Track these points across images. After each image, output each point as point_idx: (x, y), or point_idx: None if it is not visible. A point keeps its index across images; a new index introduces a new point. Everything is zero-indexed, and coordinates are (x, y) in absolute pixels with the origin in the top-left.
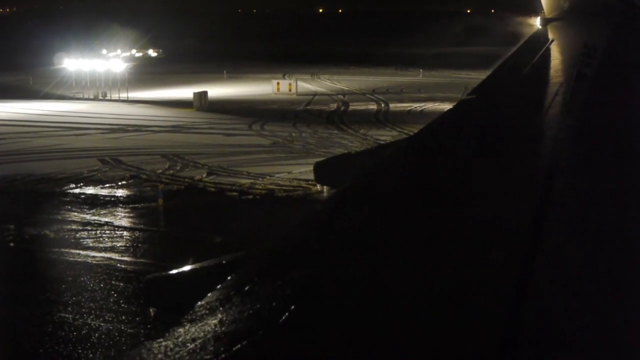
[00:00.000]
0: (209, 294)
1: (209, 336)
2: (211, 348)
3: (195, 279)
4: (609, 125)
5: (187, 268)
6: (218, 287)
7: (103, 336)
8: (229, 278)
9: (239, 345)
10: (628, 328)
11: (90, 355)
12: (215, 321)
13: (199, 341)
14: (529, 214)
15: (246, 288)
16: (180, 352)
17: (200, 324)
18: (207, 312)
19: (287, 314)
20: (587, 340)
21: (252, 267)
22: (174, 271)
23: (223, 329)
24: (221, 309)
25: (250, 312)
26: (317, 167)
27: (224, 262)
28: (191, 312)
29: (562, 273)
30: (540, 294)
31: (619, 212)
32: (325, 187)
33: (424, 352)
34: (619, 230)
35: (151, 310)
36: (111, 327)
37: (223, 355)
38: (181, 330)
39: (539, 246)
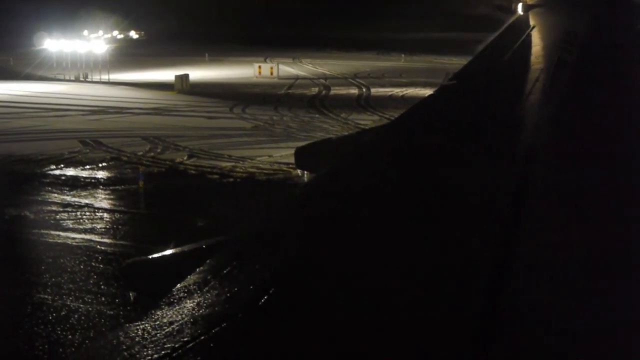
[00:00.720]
0: (188, 277)
1: (186, 319)
2: (188, 331)
3: (175, 263)
4: (589, 111)
5: (166, 252)
6: (197, 270)
7: (82, 317)
8: (207, 262)
9: (218, 328)
10: (609, 312)
11: (70, 337)
12: (193, 304)
13: (177, 324)
14: (507, 199)
15: (224, 272)
16: (158, 335)
17: (178, 307)
18: (185, 295)
19: (266, 297)
20: (565, 324)
21: (231, 251)
22: (154, 255)
23: (201, 311)
24: (199, 292)
25: (228, 295)
26: (298, 153)
27: (203, 246)
28: (169, 295)
29: (540, 258)
30: (518, 279)
31: (600, 196)
32: (305, 172)
33: (402, 336)
34: (600, 215)
35: (131, 294)
36: (91, 309)
37: (201, 338)
38: (159, 313)
39: (518, 231)
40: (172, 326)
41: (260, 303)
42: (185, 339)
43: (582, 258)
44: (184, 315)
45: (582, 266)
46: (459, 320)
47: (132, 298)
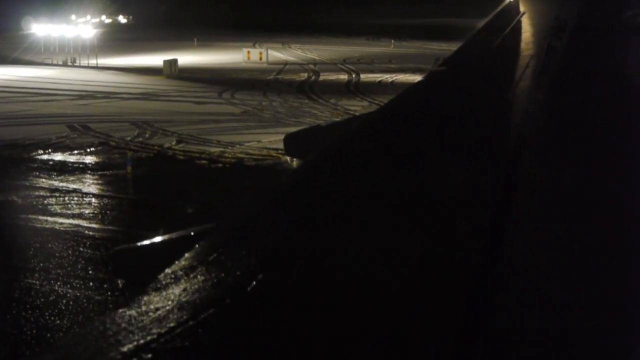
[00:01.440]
0: (174, 264)
1: (172, 305)
2: (174, 316)
3: (163, 251)
4: (580, 98)
5: (155, 240)
6: (184, 256)
7: (71, 303)
8: (194, 248)
9: (204, 314)
10: (598, 297)
11: (58, 322)
12: (179, 290)
13: (163, 310)
14: (497, 185)
15: (211, 258)
16: (144, 321)
17: (164, 293)
18: (172, 281)
19: (254, 282)
20: (554, 310)
21: (218, 237)
22: (142, 243)
23: (187, 297)
24: (185, 278)
25: (215, 280)
26: (287, 140)
27: (192, 233)
28: (156, 281)
29: (530, 245)
30: (508, 265)
31: (588, 183)
32: (295, 159)
33: (388, 322)
34: (588, 201)
35: (119, 281)
36: (79, 294)
37: (187, 323)
38: (145, 299)
39: (507, 217)
40: (159, 312)
41: (248, 289)
42: (172, 325)
43: (571, 243)
44: (170, 301)
45: (573, 250)
46: (446, 307)
47: (120, 285)
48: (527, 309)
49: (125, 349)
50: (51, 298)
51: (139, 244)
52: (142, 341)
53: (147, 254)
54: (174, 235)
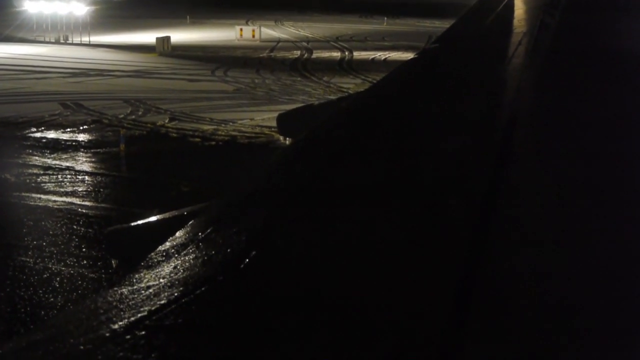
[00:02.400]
0: (166, 242)
1: (163, 282)
2: (165, 294)
3: (157, 231)
4: (572, 75)
5: (148, 220)
6: (176, 234)
7: (65, 280)
8: (186, 226)
9: (195, 290)
10: (586, 277)
11: (52, 299)
12: (170, 268)
13: (154, 287)
14: (488, 162)
15: (202, 236)
16: (135, 299)
17: (156, 271)
18: (163, 259)
19: (246, 260)
20: (543, 290)
21: (209, 215)
22: (136, 223)
23: (178, 275)
24: (177, 255)
25: (206, 258)
26: (280, 119)
27: (185, 213)
28: (147, 259)
29: (520, 223)
30: (498, 244)
31: (579, 161)
32: (287, 138)
33: (380, 301)
34: (579, 180)
35: (113, 261)
36: (73, 272)
37: (178, 300)
38: (137, 276)
39: (498, 195)
40: (150, 290)
41: (240, 266)
42: (163, 302)
43: (562, 222)
44: (161, 279)
45: (562, 229)
46: (440, 280)
47: (114, 265)
48: (519, 284)
49: (116, 326)
50: (45, 276)
51: (132, 223)
52: (132, 318)
53: (141, 233)
54: (167, 215)
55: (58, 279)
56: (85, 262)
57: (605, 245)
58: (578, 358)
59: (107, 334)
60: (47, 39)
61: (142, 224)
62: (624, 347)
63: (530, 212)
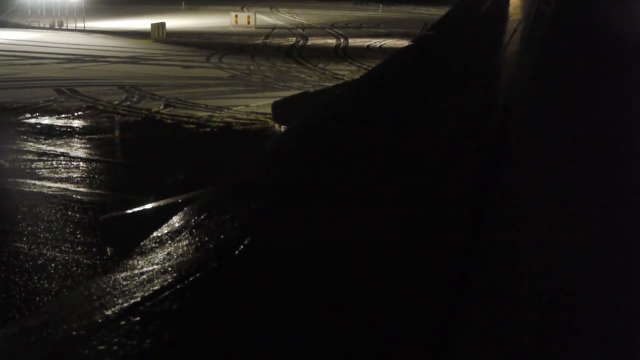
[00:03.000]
0: (159, 228)
1: (157, 268)
2: (158, 280)
3: (152, 218)
4: (567, 62)
5: (143, 207)
6: (169, 221)
7: (60, 266)
8: (179, 213)
9: (189, 277)
10: (581, 261)
11: (46, 285)
12: (163, 254)
13: (147, 274)
14: (483, 149)
15: (195, 222)
16: (128, 285)
17: (149, 257)
18: (156, 245)
19: (240, 246)
20: (537, 273)
21: (203, 202)
22: (131, 210)
23: (171, 261)
24: (170, 242)
25: (199, 244)
26: (275, 106)
27: (180, 200)
28: (141, 245)
29: (515, 208)
30: (492, 230)
31: (575, 148)
32: (282, 126)
33: (374, 290)
34: (574, 167)
35: (108, 249)
36: (67, 258)
37: (172, 286)
38: (130, 263)
39: (493, 181)
40: (143, 276)
41: (234, 252)
42: (156, 288)
43: (557, 207)
44: (154, 265)
45: (557, 215)
46: (435, 266)
47: (109, 253)
48: (514, 271)
49: (109, 312)
50: (40, 262)
51: (127, 211)
52: (125, 305)
53: (136, 221)
54: (162, 202)
55: (53, 264)
56: (80, 248)
57: (603, 227)
58: (574, 351)
59: (101, 320)
60: (41, 25)
61: (137, 211)
62: (623, 345)
63: (526, 203)
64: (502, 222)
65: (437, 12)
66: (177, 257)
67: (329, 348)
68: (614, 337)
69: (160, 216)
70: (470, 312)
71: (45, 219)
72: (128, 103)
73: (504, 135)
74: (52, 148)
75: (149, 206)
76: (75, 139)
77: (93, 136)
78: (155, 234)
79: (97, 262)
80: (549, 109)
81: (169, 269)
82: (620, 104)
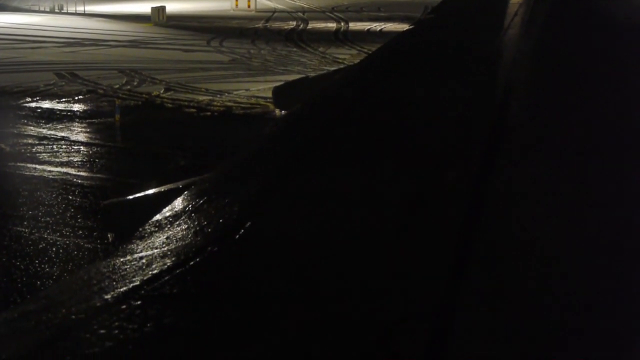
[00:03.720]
0: (160, 212)
1: (156, 253)
2: (157, 264)
3: (153, 204)
4: (567, 47)
5: (144, 193)
6: (169, 206)
7: (61, 250)
8: (179, 197)
9: (187, 261)
10: (581, 259)
11: (47, 269)
12: (163, 238)
13: (147, 258)
14: (483, 134)
15: (195, 206)
16: (127, 269)
17: (148, 241)
18: (156, 229)
19: (241, 230)
20: (537, 272)
21: (203, 186)
22: (132, 196)
23: (170, 245)
24: (169, 226)
25: (198, 228)
26: (276, 92)
27: (181, 186)
28: (140, 230)
29: (514, 194)
30: (491, 227)
31: (574, 133)
32: (283, 111)
33: (374, 271)
34: (573, 153)
35: (109, 235)
36: (68, 242)
37: (173, 271)
38: (129, 247)
39: (492, 166)
40: (142, 260)
41: (235, 237)
42: (155, 272)
43: (555, 194)
44: (154, 249)
45: (556, 201)
46: (435, 249)
47: (110, 239)
48: (515, 256)
49: (108, 296)
50: (41, 246)
51: (129, 197)
52: (124, 288)
53: (137, 206)
54: (163, 188)
55: (54, 248)
56: (80, 232)
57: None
58: (574, 351)
59: (100, 304)
60: (41, 8)
61: (139, 197)
62: (623, 345)
63: (527, 195)
64: (501, 216)
65: None
66: (176, 242)
67: (328, 333)
68: (614, 337)
69: (161, 201)
70: (469, 309)
71: (46, 203)
72: (128, 87)
73: (505, 116)
74: (52, 132)
75: (150, 192)
76: (76, 123)
77: (93, 120)
78: (155, 218)
79: (99, 246)
80: (549, 93)
81: (168, 252)
82: (621, 85)
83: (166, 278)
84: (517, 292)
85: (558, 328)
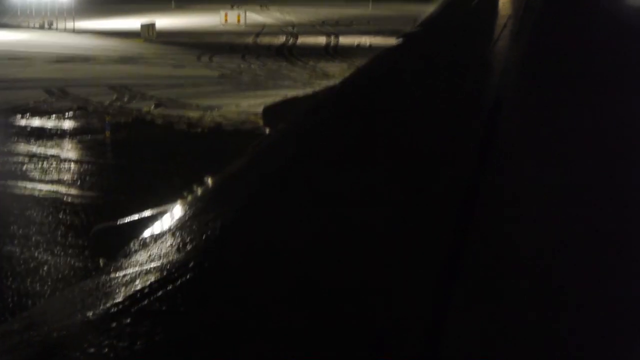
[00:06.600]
0: (145, 231)
1: (139, 269)
2: (140, 280)
3: (144, 227)
4: (556, 57)
5: (135, 217)
6: (154, 224)
7: (52, 269)
8: (164, 215)
9: (169, 276)
10: (576, 259)
11: (38, 288)
12: (146, 255)
13: (130, 275)
14: (475, 139)
15: (178, 224)
16: (112, 286)
17: (132, 259)
18: (140, 247)
19: (222, 245)
20: (531, 271)
21: (188, 204)
22: (122, 221)
23: (153, 262)
24: (153, 243)
25: (181, 245)
26: (266, 111)
27: (173, 210)
28: (125, 248)
29: (507, 205)
30: (485, 217)
31: (565, 138)
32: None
33: (367, 276)
34: (565, 156)
35: (100, 260)
36: (59, 260)
37: (154, 286)
38: (113, 265)
39: (485, 170)
40: (126, 277)
41: (211, 251)
42: (139, 287)
43: (548, 194)
44: (137, 266)
45: (549, 201)
46: (429, 251)
47: (101, 264)
48: (505, 264)
49: (90, 313)
50: (32, 265)
51: (119, 222)
52: (108, 304)
53: (128, 231)
54: (154, 211)
55: (45, 267)
56: (71, 250)
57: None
58: (574, 351)
59: (82, 321)
60: (31, 25)
61: (129, 222)
62: (623, 345)
63: (518, 200)
64: (495, 219)
65: (426, 9)
66: (159, 258)
67: (317, 346)
68: (614, 337)
69: (152, 224)
70: (464, 309)
71: (37, 221)
72: (119, 103)
73: (496, 129)
74: (42, 149)
75: (141, 215)
76: (66, 140)
77: (84, 137)
78: (141, 236)
79: (89, 264)
80: (539, 103)
81: (152, 269)
82: (609, 94)
83: (144, 293)
84: (510, 295)
85: (552, 330)
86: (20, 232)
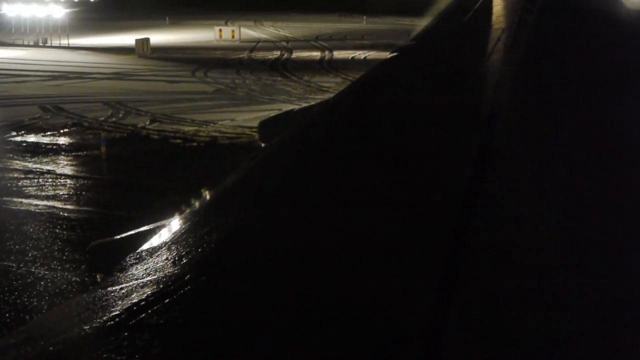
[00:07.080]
0: (141, 246)
1: (135, 283)
2: (137, 294)
3: (141, 243)
4: (550, 70)
5: (131, 232)
6: (151, 238)
7: (49, 284)
8: (161, 230)
9: (165, 290)
10: (573, 260)
11: (35, 303)
12: (142, 269)
13: (126, 288)
14: (469, 157)
15: (174, 238)
16: (108, 300)
17: (128, 273)
18: (136, 262)
19: (219, 258)
20: (529, 273)
21: (184, 219)
22: (119, 237)
23: (149, 276)
24: (149, 258)
25: (177, 258)
26: (261, 126)
27: (170, 223)
28: (122, 262)
29: (503, 210)
30: (477, 237)
31: (560, 154)
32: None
33: (362, 293)
34: (560, 173)
35: (98, 276)
36: (56, 275)
37: (150, 299)
38: (110, 279)
39: (478, 189)
40: (122, 291)
41: (207, 264)
42: (136, 300)
43: (543, 213)
44: (133, 280)
45: (543, 221)
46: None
47: (99, 280)
48: (500, 273)
49: (87, 326)
50: (29, 280)
51: (115, 237)
52: (105, 318)
53: (125, 246)
54: (151, 226)
55: (42, 282)
56: (68, 265)
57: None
58: (574, 351)
59: (79, 335)
60: (25, 42)
61: (125, 237)
62: (622, 345)
63: (514, 205)
64: (492, 223)
65: (420, 23)
66: (155, 272)
67: (317, 350)
68: (614, 337)
69: (148, 239)
70: (464, 312)
71: (33, 236)
72: (114, 119)
73: (490, 140)
74: (38, 166)
75: (137, 230)
76: (62, 156)
77: (79, 153)
78: (137, 251)
79: (86, 279)
80: (533, 114)
81: (148, 282)
82: (602, 106)
83: (140, 306)
84: (510, 295)
85: (551, 334)
86: (17, 247)
